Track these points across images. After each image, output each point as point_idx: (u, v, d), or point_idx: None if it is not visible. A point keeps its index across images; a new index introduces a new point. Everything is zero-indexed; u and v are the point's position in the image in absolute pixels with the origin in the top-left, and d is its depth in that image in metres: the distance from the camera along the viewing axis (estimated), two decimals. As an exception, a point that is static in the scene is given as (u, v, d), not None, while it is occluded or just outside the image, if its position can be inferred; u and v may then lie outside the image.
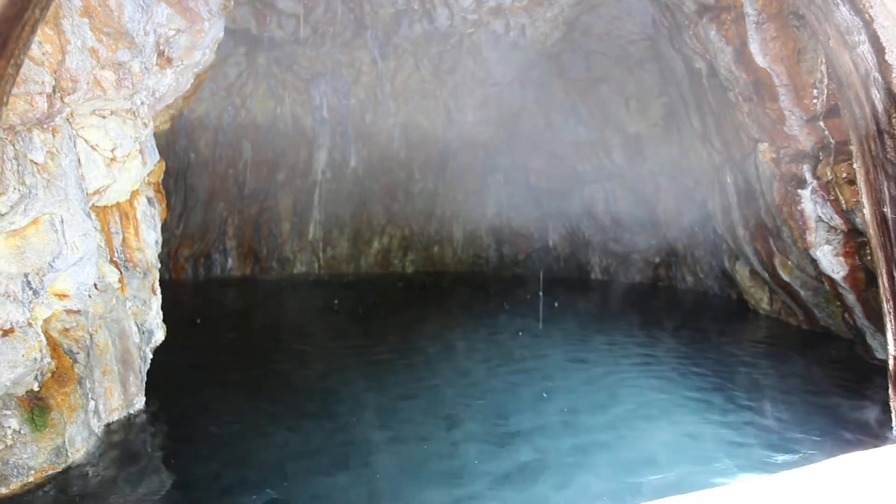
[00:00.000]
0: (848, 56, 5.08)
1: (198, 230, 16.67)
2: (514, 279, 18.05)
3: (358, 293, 15.00)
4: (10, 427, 4.09)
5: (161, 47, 6.00)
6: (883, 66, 4.75)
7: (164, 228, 15.48)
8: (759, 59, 7.54)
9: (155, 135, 7.44)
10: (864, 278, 7.17)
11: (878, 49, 4.68)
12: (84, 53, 4.59)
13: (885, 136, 5.01)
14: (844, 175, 6.73)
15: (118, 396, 5.48)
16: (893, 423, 5.35)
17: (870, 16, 4.59)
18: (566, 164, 17.79)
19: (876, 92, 4.94)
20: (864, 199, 5.60)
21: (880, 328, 7.11)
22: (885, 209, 5.25)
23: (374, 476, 4.48)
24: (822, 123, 7.07)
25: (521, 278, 18.16)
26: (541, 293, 14.15)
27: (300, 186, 18.15)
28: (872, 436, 5.38)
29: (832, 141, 7.03)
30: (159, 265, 6.68)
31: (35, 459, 4.22)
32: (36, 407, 4.31)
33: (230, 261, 17.31)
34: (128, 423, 5.46)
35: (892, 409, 5.39)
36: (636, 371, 7.41)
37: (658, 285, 16.71)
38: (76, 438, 4.60)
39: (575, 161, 17.53)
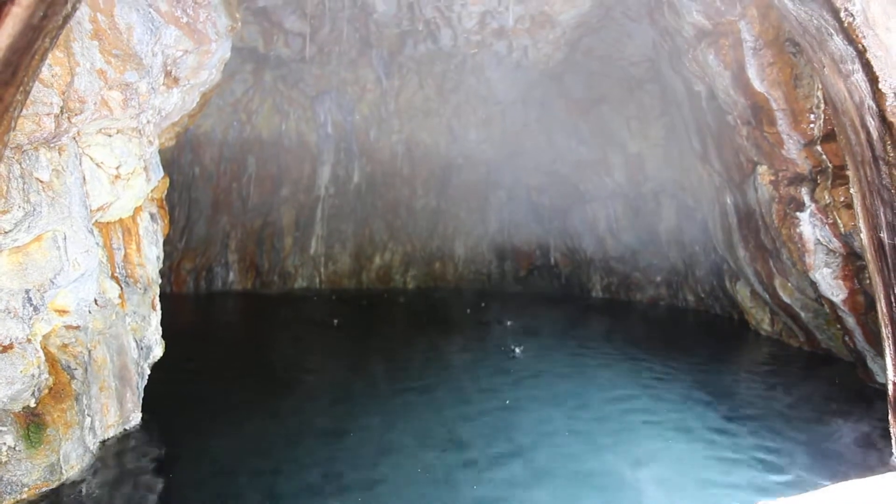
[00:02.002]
0: (842, 84, 5.15)
1: (200, 243, 16.76)
2: (515, 296, 18.03)
3: (358, 309, 15.00)
4: (4, 443, 4.10)
5: (168, 67, 6.13)
6: (877, 94, 4.81)
7: (167, 241, 15.54)
8: (757, 84, 7.63)
9: (161, 149, 7.55)
10: (863, 302, 7.16)
11: (872, 78, 4.75)
12: (92, 75, 4.70)
13: (881, 162, 5.05)
14: (842, 199, 6.77)
15: (114, 412, 5.49)
16: (894, 449, 5.31)
17: (863, 46, 4.67)
18: (568, 183, 17.89)
19: (870, 119, 5.00)
20: (861, 225, 5.63)
21: (881, 352, 7.06)
22: (881, 234, 5.27)
23: (372, 497, 4.46)
24: (819, 148, 7.12)
25: (522, 295, 18.15)
26: (543, 311, 14.14)
27: (303, 201, 18.28)
28: (872, 462, 5.33)
29: (830, 165, 7.07)
30: (160, 280, 6.73)
31: (29, 476, 4.22)
32: (32, 423, 4.32)
33: (232, 274, 17.36)
34: (123, 439, 5.46)
35: (892, 434, 5.35)
36: (638, 394, 7.36)
37: (659, 304, 16.66)
38: (71, 455, 4.60)
39: (576, 179, 17.63)
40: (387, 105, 17.62)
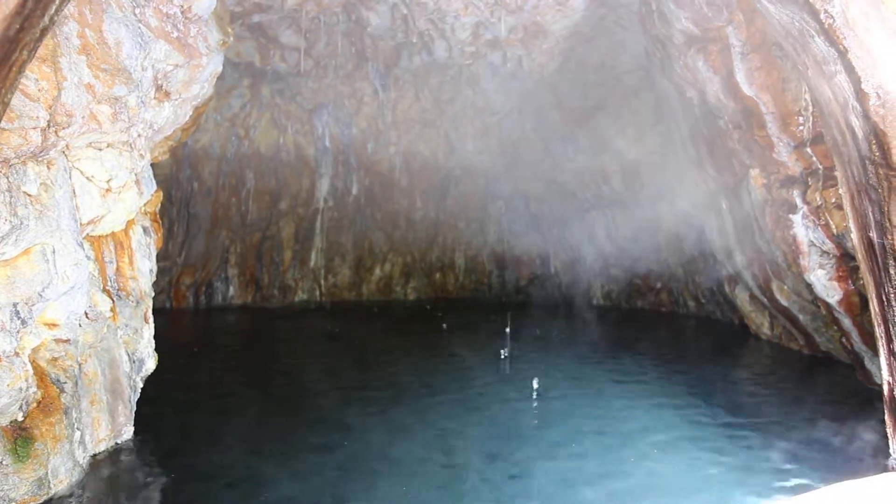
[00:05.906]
0: (826, 85, 5.17)
1: (200, 258, 16.82)
2: (517, 306, 17.97)
3: (359, 321, 14.97)
4: (-9, 457, 4.09)
5: (159, 82, 6.19)
6: (860, 94, 4.82)
7: (167, 257, 15.65)
8: (746, 88, 7.66)
9: (159, 164, 7.60)
10: (858, 303, 7.11)
11: (855, 79, 4.76)
12: (80, 89, 4.76)
13: (867, 161, 5.04)
14: (833, 200, 6.75)
15: (105, 426, 5.47)
16: (891, 450, 5.24)
17: (844, 47, 4.68)
18: (566, 191, 17.92)
19: (855, 119, 5.00)
20: (852, 225, 5.61)
21: (877, 353, 7.00)
22: (871, 234, 5.25)
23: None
24: (809, 150, 7.13)
25: (523, 305, 18.09)
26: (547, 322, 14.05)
27: (302, 215, 18.35)
28: (870, 463, 5.26)
29: (820, 167, 7.07)
30: (153, 294, 6.73)
31: (16, 491, 4.20)
32: (19, 437, 4.31)
33: (231, 289, 17.39)
34: (114, 453, 5.43)
35: (889, 435, 5.28)
36: (640, 399, 7.31)
37: (661, 311, 16.58)
38: (60, 470, 4.57)
39: (575, 188, 17.66)
40: (384, 117, 17.75)
